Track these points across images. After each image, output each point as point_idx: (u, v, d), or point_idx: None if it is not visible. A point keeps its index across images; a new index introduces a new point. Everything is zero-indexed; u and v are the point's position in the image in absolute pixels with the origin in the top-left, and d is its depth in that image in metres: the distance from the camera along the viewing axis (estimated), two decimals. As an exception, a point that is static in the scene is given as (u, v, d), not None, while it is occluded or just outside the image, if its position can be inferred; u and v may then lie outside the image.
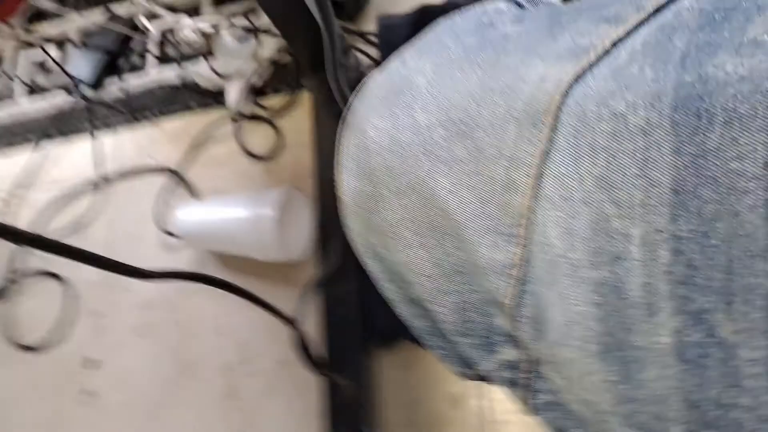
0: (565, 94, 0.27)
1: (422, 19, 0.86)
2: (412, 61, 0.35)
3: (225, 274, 0.89)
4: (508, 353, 0.33)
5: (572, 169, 0.26)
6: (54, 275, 0.98)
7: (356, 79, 0.91)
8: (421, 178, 0.32)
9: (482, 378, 0.39)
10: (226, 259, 0.91)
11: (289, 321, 0.47)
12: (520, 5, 0.36)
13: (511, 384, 0.34)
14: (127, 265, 0.30)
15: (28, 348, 0.95)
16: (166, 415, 0.85)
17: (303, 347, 0.51)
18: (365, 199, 0.36)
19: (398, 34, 0.85)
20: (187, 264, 0.92)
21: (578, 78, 0.27)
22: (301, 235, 0.87)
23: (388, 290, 0.39)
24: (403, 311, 0.39)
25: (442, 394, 0.78)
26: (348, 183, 0.37)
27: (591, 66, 0.27)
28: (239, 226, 0.82)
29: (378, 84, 0.37)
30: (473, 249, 0.30)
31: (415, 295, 0.37)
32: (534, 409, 0.34)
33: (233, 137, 0.96)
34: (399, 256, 0.35)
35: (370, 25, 0.94)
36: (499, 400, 0.75)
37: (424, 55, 0.35)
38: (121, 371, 0.89)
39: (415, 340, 0.79)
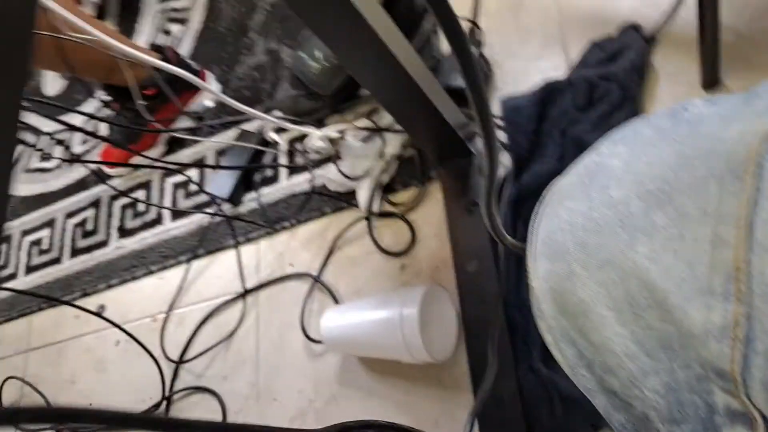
0: (765, 143, 0.26)
1: (547, 96, 0.83)
2: (606, 149, 0.35)
3: (372, 380, 0.87)
4: None
5: None
6: (207, 390, 1.00)
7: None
8: (619, 250, 0.30)
9: None
10: (371, 363, 0.88)
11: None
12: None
13: None
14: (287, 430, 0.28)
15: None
16: None
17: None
18: (558, 280, 0.34)
19: (524, 114, 0.83)
20: (334, 369, 0.90)
21: None
22: (447, 332, 0.83)
23: (584, 378, 0.35)
24: (600, 403, 0.35)
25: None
26: (540, 266, 0.36)
27: None
28: (382, 329, 0.80)
29: (570, 174, 0.37)
30: (683, 317, 0.27)
31: (615, 382, 0.33)
32: None
33: (367, 236, 0.96)
34: (595, 336, 0.32)
35: (493, 107, 0.92)
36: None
37: (618, 142, 0.34)
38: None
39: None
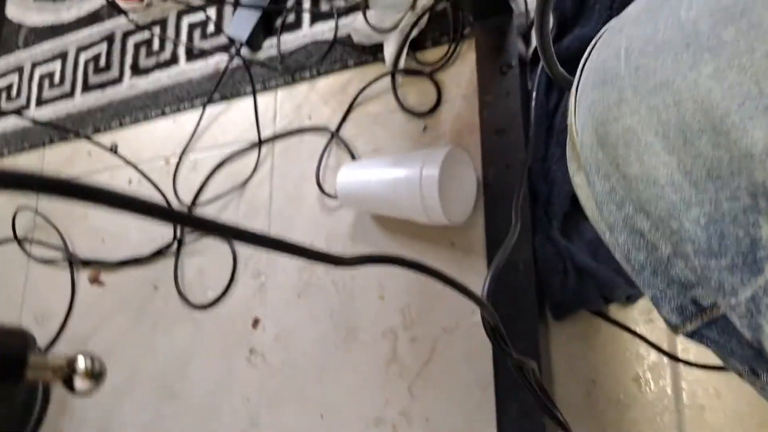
0: None
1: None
2: None
3: (385, 237, 0.86)
4: None
5: None
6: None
7: (527, 27, 0.83)
8: (678, 71, 0.27)
9: (700, 331, 0.32)
10: (385, 222, 0.87)
11: (481, 303, 0.42)
12: None
13: None
14: (317, 252, 0.26)
15: (198, 306, 0.98)
16: (330, 378, 0.85)
17: (496, 332, 0.46)
18: (604, 109, 0.31)
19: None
20: (347, 225, 0.90)
21: None
22: (465, 196, 0.81)
23: (610, 215, 0.33)
24: (620, 241, 0.33)
25: (626, 371, 0.70)
26: (585, 98, 0.33)
27: None
28: (401, 188, 0.78)
29: (636, 3, 0.33)
30: (741, 136, 0.25)
31: (645, 222, 0.32)
32: None
33: (390, 93, 0.92)
34: (635, 168, 0.30)
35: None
36: (698, 381, 0.67)
37: None
38: (284, 332, 0.90)
39: (596, 312, 0.72)
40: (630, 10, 0.34)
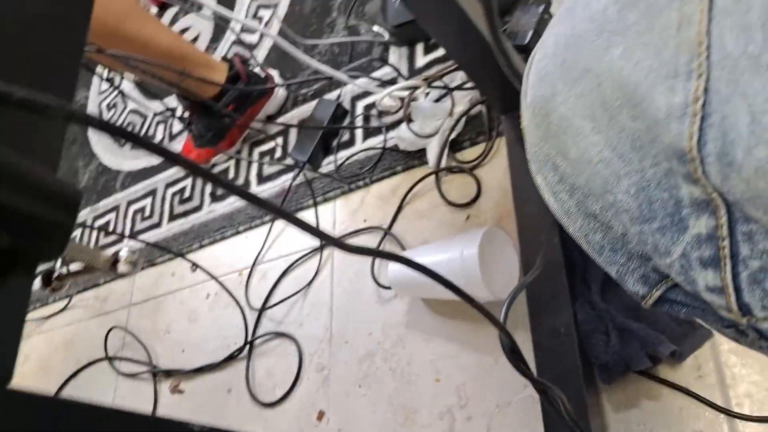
0: None
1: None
2: None
3: (436, 320, 0.90)
4: (701, 223, 0.29)
5: None
6: (285, 335, 1.07)
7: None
8: (595, 57, 0.31)
9: (665, 296, 0.34)
10: (435, 305, 0.92)
11: (498, 324, 0.46)
12: None
13: (712, 263, 0.29)
14: (323, 232, 0.32)
15: (268, 405, 1.03)
16: (390, 462, 0.86)
17: (513, 350, 0.49)
18: (542, 104, 0.35)
19: None
20: (401, 313, 0.95)
21: None
22: (507, 273, 0.86)
23: (565, 203, 0.36)
24: (579, 225, 0.36)
25: (684, 431, 0.69)
26: (528, 95, 0.37)
27: None
28: (444, 269, 0.83)
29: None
30: (650, 106, 0.28)
31: (595, 204, 0.34)
32: (739, 286, 0.29)
33: (435, 190, 1.00)
34: (573, 152, 0.33)
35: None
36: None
37: None
38: (347, 422, 0.93)
39: (647, 374, 0.72)
40: (560, 9, 0.38)
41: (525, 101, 0.38)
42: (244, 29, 1.58)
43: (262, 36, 1.51)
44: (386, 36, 1.20)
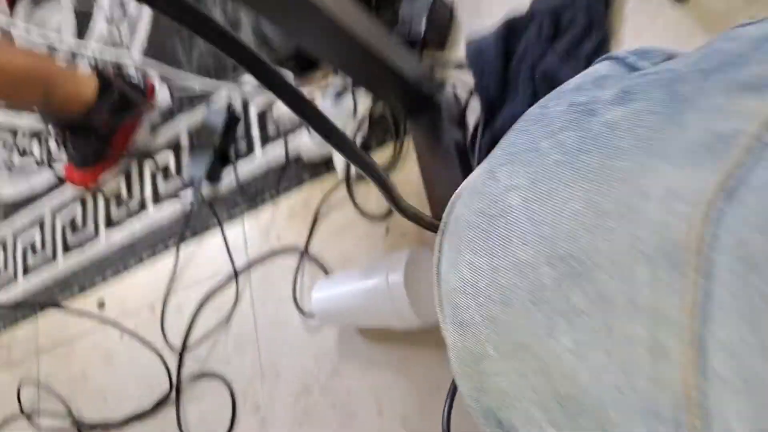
0: (711, 220, 0.19)
1: (510, 32, 0.77)
2: (502, 174, 0.28)
3: (370, 348, 0.85)
4: None
5: (750, 337, 0.17)
6: (213, 374, 0.99)
7: (460, 113, 0.84)
8: (534, 334, 0.24)
9: None
10: (368, 332, 0.86)
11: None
12: (631, 66, 0.27)
13: None
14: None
15: (205, 450, 0.96)
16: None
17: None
18: (472, 360, 0.28)
19: (488, 54, 0.77)
20: (332, 341, 0.89)
21: (725, 191, 0.18)
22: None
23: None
24: None
25: None
26: (449, 336, 0.30)
27: (741, 168, 0.18)
28: (371, 298, 0.78)
29: (466, 205, 0.30)
30: None
31: None
32: None
33: (349, 201, 0.93)
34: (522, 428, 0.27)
35: (461, 49, 0.87)
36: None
37: (516, 164, 0.27)
38: (293, 463, 0.88)
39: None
40: (456, 208, 0.31)
41: (444, 325, 0.31)
42: (111, 20, 1.41)
43: (135, 27, 1.35)
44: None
